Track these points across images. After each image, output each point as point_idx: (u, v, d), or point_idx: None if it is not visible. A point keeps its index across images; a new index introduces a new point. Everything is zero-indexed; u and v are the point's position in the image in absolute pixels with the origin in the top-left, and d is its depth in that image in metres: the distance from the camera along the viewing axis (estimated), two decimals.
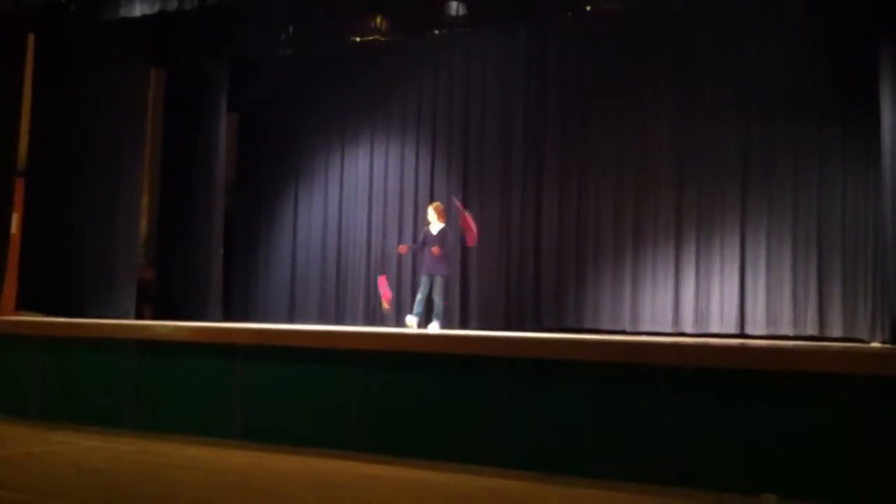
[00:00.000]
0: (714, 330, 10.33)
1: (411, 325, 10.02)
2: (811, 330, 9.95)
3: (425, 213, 10.92)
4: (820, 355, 4.87)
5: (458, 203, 10.71)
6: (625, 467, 5.07)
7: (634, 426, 5.11)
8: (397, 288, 12.07)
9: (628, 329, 10.72)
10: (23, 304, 10.48)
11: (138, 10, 9.94)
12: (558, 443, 5.30)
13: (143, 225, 12.26)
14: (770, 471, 4.75)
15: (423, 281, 10.29)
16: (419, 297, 10.26)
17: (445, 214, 10.60)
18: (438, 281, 10.20)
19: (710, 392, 4.93)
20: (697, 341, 7.52)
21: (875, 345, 8.99)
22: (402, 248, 11.00)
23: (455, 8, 10.19)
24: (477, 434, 5.56)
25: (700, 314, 10.49)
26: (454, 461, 5.49)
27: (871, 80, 9.26)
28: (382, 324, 11.85)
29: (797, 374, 4.74)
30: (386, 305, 10.89)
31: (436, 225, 10.39)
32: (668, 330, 10.54)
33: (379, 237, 12.49)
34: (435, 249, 10.21)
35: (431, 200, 11.41)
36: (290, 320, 12.59)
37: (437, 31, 10.82)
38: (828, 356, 4.83)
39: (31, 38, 10.75)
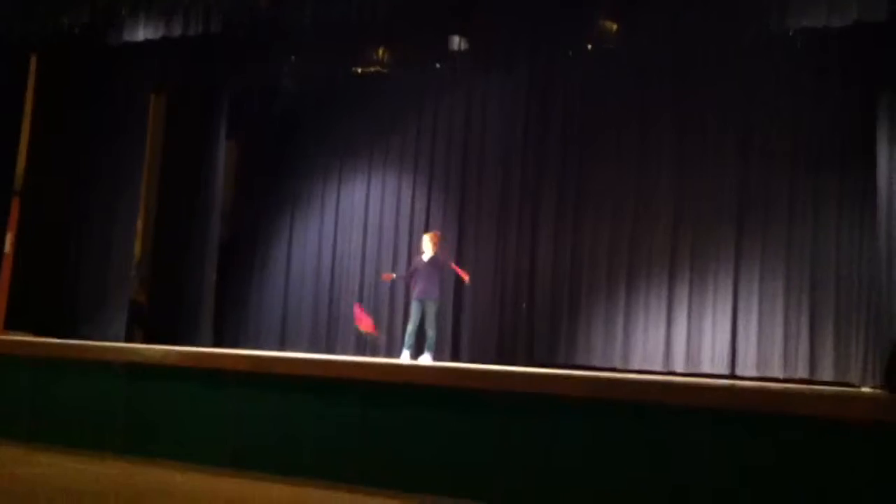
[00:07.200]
0: (705, 370, 10.31)
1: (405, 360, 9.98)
2: (802, 372, 9.93)
3: (420, 245, 10.91)
4: (813, 399, 4.87)
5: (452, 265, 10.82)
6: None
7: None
8: (389, 317, 12.05)
9: (619, 367, 10.70)
10: (12, 324, 10.45)
11: (142, 35, 9.98)
12: (551, 479, 5.27)
13: (138, 247, 12.20)
14: None
15: (414, 308, 10.25)
16: (410, 328, 10.22)
17: (440, 245, 10.57)
18: (431, 307, 10.16)
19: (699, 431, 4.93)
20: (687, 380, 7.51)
21: (866, 389, 8.99)
22: (387, 276, 10.99)
23: (457, 42, 10.27)
24: (470, 468, 5.52)
25: (692, 354, 10.48)
26: (448, 495, 5.45)
27: (867, 128, 9.37)
28: (374, 353, 11.82)
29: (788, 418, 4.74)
30: (372, 331, 10.87)
31: (428, 254, 10.40)
32: (659, 368, 10.52)
33: (373, 267, 12.44)
34: (442, 259, 10.32)
35: (427, 231, 11.42)
36: (282, 348, 12.53)
37: (438, 65, 10.91)
38: (820, 400, 4.83)
39: (33, 58, 10.80)
